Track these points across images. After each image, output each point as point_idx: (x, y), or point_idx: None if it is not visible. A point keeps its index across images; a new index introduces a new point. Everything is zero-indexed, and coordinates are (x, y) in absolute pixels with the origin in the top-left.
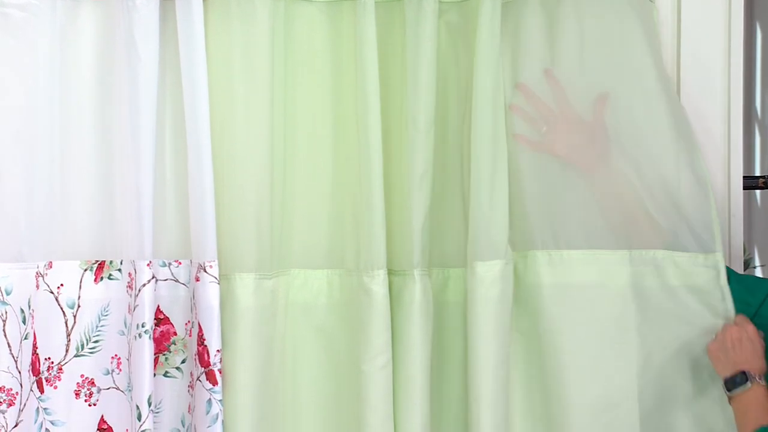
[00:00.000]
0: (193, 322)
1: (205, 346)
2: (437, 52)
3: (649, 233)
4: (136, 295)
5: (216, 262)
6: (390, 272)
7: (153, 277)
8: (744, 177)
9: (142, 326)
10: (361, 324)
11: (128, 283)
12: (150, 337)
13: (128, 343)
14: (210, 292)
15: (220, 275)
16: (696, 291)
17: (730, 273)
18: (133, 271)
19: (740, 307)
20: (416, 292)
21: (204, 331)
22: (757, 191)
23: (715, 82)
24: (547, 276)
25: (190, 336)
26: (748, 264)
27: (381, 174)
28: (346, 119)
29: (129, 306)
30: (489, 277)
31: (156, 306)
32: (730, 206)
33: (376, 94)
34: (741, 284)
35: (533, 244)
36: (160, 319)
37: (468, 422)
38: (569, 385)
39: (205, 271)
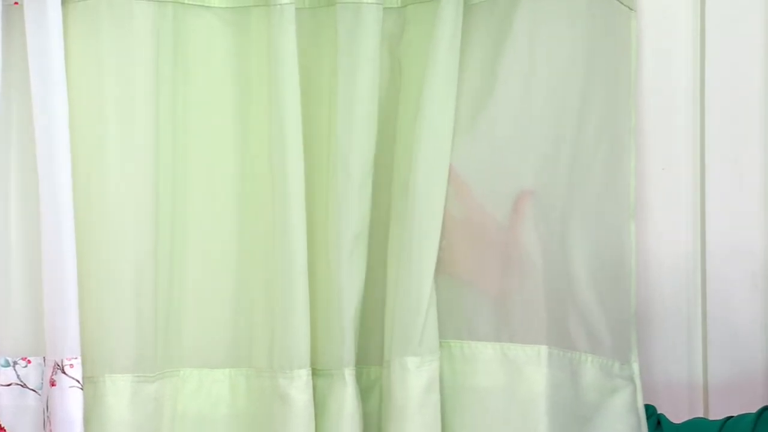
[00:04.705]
0: None
1: None
2: (380, 75)
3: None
4: None
5: (79, 359)
6: (313, 372)
7: None
8: None
9: None
10: None
11: None
12: None
13: None
14: (70, 400)
15: (84, 378)
16: (607, 410)
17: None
18: None
19: None
20: (346, 398)
21: None
22: None
23: (751, 102)
24: (447, 373)
25: None
26: None
27: (304, 240)
28: (257, 163)
29: None
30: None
31: None
32: None
33: (298, 129)
34: None
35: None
36: None
37: None
38: None
39: (64, 372)
